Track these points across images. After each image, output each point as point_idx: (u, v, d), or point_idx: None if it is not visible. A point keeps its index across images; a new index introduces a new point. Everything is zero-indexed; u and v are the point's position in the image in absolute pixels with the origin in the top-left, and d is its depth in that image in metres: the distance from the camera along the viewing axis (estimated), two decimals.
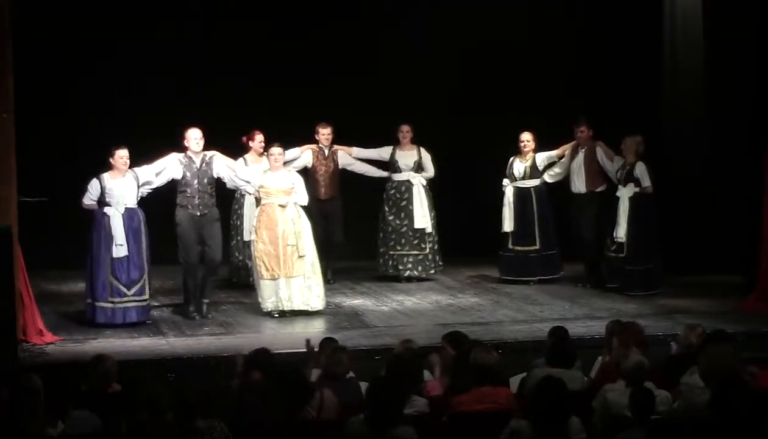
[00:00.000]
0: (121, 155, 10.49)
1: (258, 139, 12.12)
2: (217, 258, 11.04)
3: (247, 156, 12.06)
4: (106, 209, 10.45)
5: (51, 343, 9.86)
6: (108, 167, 10.53)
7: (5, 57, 9.67)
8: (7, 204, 9.70)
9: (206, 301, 10.98)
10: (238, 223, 12.26)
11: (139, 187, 10.57)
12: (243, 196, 12.09)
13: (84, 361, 7.74)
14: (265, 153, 11.96)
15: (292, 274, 10.85)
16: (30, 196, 10.84)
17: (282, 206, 10.92)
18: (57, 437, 6.66)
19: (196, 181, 10.83)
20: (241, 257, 12.30)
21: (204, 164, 10.87)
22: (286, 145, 11.53)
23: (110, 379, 7.37)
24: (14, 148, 9.78)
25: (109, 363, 7.42)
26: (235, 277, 12.49)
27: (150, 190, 10.74)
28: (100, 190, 10.46)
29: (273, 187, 10.98)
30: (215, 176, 10.94)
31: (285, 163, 11.42)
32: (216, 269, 11.20)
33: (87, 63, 13.33)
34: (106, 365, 7.39)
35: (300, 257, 10.88)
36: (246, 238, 12.05)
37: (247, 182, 11.10)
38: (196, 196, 10.83)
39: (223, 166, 10.99)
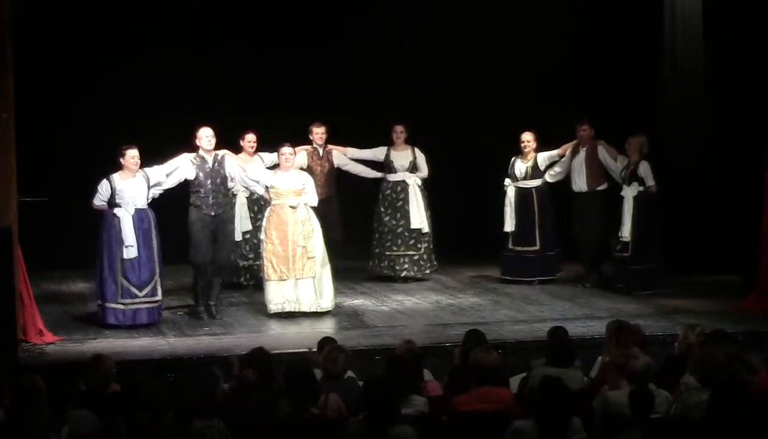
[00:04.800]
0: (132, 155, 10.42)
1: (247, 139, 12.12)
2: (224, 258, 11.00)
3: (241, 156, 12.04)
4: (116, 210, 10.37)
5: (51, 343, 9.85)
6: (118, 167, 10.46)
7: (5, 57, 9.65)
8: (7, 204, 9.69)
9: (212, 303, 10.91)
10: None
11: (149, 188, 10.52)
12: (234, 196, 12.06)
13: (84, 361, 7.72)
14: (258, 153, 12.03)
15: (301, 275, 10.82)
16: (30, 196, 10.83)
17: (293, 207, 10.91)
18: None
19: (209, 181, 10.77)
20: (232, 257, 12.26)
21: (216, 164, 10.83)
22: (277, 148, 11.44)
23: (109, 379, 7.37)
24: (14, 148, 9.77)
25: (108, 363, 7.42)
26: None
27: (161, 192, 10.68)
28: (110, 191, 10.38)
29: (283, 188, 10.95)
30: (228, 176, 10.93)
31: (276, 166, 11.41)
32: (223, 269, 11.12)
33: (87, 63, 13.33)
34: (104, 366, 7.39)
35: (310, 258, 10.87)
36: (236, 238, 12.04)
37: (257, 182, 11.09)
38: (210, 196, 10.77)
39: (234, 165, 10.98)
